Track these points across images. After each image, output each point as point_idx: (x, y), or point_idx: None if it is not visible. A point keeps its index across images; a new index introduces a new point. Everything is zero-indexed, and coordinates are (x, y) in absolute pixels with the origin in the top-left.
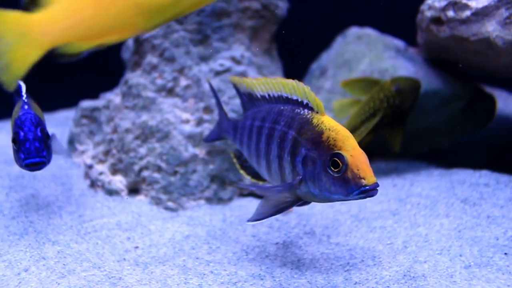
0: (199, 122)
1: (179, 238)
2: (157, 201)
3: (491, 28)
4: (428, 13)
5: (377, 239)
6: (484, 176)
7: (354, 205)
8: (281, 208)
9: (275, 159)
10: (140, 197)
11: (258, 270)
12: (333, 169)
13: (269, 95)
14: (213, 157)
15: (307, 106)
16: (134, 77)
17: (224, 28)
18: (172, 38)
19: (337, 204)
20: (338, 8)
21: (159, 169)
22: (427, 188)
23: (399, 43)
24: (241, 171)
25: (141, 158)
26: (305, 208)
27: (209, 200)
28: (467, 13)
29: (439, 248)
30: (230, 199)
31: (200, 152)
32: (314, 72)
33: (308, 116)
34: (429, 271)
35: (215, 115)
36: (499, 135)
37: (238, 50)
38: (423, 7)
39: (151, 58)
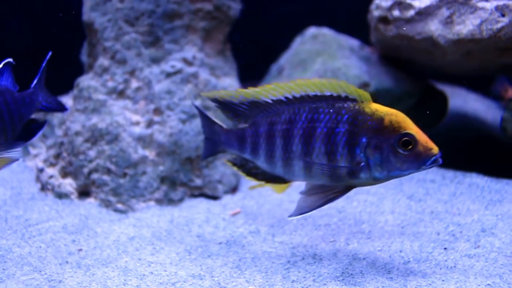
0: (149, 123)
1: (124, 240)
2: (106, 204)
3: (433, 27)
4: (376, 13)
5: (321, 237)
6: (431, 172)
7: None
8: (329, 199)
9: (323, 156)
10: (90, 200)
11: (199, 270)
12: (404, 148)
13: (286, 97)
14: (163, 159)
15: (347, 99)
16: (85, 80)
17: (176, 30)
18: (123, 40)
19: (286, 203)
20: (303, 8)
21: (108, 171)
22: (376, 185)
23: (354, 42)
24: (249, 178)
25: (90, 161)
26: (254, 207)
27: (159, 201)
28: (411, 12)
29: (381, 245)
30: (181, 200)
31: (150, 153)
32: (272, 72)
33: (357, 107)
34: (367, 268)
35: (165, 117)
36: (458, 132)
37: (190, 52)
38: (372, 6)
39: (103, 61)
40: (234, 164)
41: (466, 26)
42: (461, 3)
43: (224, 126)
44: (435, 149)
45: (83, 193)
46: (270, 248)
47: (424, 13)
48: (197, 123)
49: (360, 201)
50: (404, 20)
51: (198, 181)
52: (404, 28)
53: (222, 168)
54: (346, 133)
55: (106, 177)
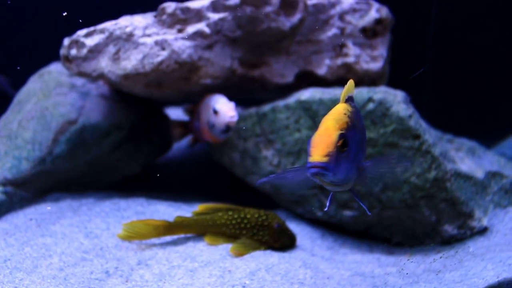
0: None
1: None
2: None
3: (104, 63)
4: (61, 52)
5: None
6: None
7: None
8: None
9: None
10: None
11: None
12: None
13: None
14: None
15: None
16: None
17: None
18: None
19: None
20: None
21: None
22: (61, 223)
23: (80, 80)
24: None
25: None
26: None
27: None
28: (85, 50)
29: None
30: None
31: None
32: None
33: None
34: None
35: None
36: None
37: None
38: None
39: None
40: None
41: (131, 61)
42: (125, 39)
43: None
44: (313, 158)
45: None
46: None
47: (95, 51)
48: None
49: (38, 244)
50: (81, 58)
51: None
52: (82, 66)
53: None
54: None
55: None
